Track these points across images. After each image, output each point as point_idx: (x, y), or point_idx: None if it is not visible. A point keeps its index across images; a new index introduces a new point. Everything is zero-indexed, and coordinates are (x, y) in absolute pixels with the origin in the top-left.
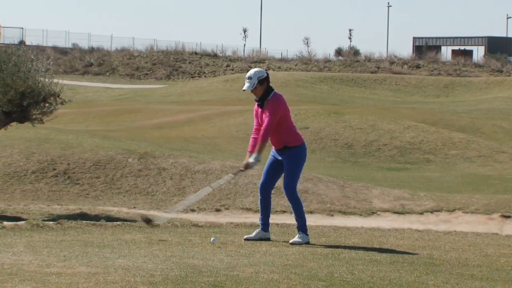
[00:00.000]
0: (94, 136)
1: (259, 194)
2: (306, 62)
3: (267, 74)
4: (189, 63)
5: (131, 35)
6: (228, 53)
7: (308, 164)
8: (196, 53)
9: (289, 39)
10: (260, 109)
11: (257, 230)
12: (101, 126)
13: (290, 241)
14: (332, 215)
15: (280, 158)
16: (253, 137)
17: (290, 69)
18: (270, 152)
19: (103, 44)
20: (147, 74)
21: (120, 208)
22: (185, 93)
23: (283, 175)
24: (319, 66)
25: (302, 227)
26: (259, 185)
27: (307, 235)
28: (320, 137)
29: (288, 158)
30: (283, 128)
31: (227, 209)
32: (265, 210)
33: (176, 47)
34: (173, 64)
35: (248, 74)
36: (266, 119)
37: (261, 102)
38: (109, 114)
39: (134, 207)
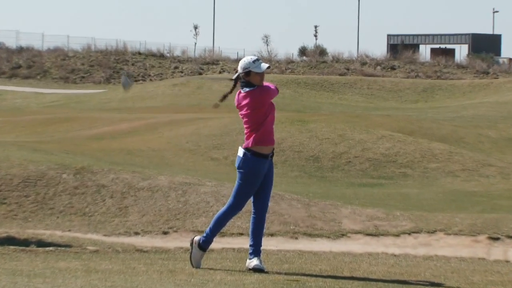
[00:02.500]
0: (23, 148)
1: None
2: (266, 63)
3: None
4: (132, 64)
5: (65, 33)
6: (177, 53)
7: None
8: (140, 53)
9: (246, 37)
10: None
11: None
12: (31, 137)
13: (250, 267)
14: (297, 238)
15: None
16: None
17: None
18: (259, 169)
19: (33, 43)
20: (83, 77)
21: (53, 231)
22: (127, 99)
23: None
24: (281, 68)
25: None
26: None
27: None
28: (282, 148)
29: (271, 165)
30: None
31: (175, 231)
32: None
33: (117, 47)
34: (113, 65)
35: (258, 58)
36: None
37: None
38: (40, 124)
39: (69, 230)
